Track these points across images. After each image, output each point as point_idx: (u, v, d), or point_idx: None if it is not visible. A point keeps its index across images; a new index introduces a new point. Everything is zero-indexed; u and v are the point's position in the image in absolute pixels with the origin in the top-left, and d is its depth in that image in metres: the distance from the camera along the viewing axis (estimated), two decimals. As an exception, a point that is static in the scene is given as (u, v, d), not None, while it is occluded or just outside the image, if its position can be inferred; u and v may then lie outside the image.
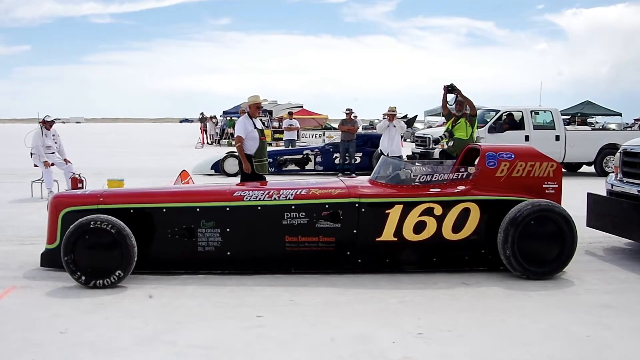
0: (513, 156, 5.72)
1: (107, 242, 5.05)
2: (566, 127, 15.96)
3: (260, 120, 7.66)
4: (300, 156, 15.50)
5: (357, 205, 5.48)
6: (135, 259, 5.13)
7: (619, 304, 4.81)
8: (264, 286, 5.16)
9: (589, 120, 34.24)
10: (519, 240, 5.32)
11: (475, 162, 5.79)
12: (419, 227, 5.46)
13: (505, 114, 15.05)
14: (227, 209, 5.48)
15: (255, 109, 7.61)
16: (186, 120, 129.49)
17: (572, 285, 5.32)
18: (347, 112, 15.43)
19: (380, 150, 12.41)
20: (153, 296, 4.93)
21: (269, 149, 8.08)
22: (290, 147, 17.95)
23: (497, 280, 5.38)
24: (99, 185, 6.79)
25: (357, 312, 4.56)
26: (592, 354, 3.81)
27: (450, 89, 8.75)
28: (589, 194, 6.84)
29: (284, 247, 5.46)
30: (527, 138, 14.26)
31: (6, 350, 3.83)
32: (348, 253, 5.51)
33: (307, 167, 15.38)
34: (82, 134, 46.51)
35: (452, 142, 8.74)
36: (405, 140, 25.83)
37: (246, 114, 7.68)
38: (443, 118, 12.59)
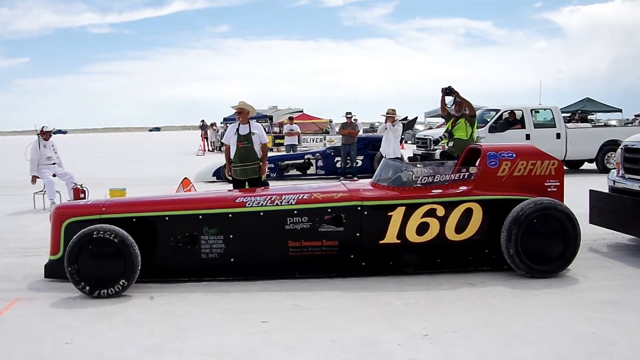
0: (514, 155, 5.72)
1: (111, 252, 5.06)
2: (567, 124, 15.97)
3: (249, 125, 7.58)
4: (302, 161, 15.50)
5: (359, 208, 5.48)
6: (139, 267, 5.13)
7: (624, 300, 4.80)
8: (268, 292, 5.16)
9: (589, 117, 34.21)
10: (522, 239, 5.32)
11: (477, 162, 5.78)
12: (422, 229, 5.46)
13: (507, 112, 15.07)
14: (230, 215, 5.48)
15: (237, 115, 7.67)
16: (59, 132, 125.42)
17: (576, 283, 5.31)
18: (348, 115, 15.45)
19: (381, 153, 12.44)
20: (154, 298, 4.97)
21: (270, 154, 8.06)
22: (291, 152, 17.98)
23: (502, 280, 5.37)
24: (101, 195, 6.80)
25: (362, 315, 4.55)
26: (598, 351, 3.80)
27: (448, 91, 8.78)
28: (591, 191, 6.83)
29: (287, 252, 5.46)
30: (527, 137, 14.28)
31: (12, 362, 3.84)
32: (352, 256, 5.51)
33: (308, 172, 15.38)
34: (85, 144, 46.59)
35: (452, 143, 8.75)
36: (406, 142, 25.87)
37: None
38: (443, 119, 12.60)
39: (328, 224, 5.46)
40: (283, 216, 5.45)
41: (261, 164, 7.62)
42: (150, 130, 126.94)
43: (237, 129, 7.56)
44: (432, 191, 5.60)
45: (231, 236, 5.46)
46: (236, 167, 7.54)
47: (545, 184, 5.71)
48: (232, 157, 7.62)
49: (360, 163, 15.09)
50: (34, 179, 10.41)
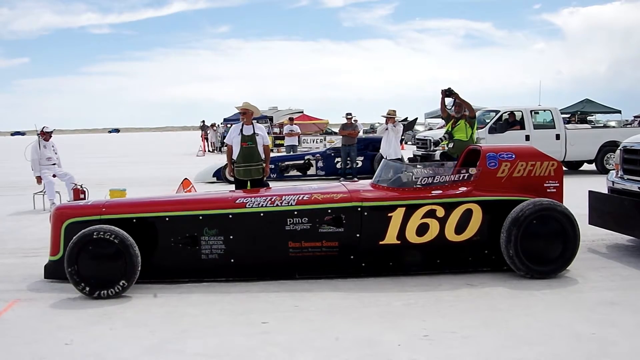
0: (514, 156, 5.73)
1: (111, 252, 5.06)
2: (566, 125, 15.99)
3: (252, 126, 7.65)
4: (302, 161, 15.53)
5: (359, 209, 5.49)
6: (139, 268, 5.14)
7: (623, 300, 4.81)
8: (268, 292, 5.17)
9: (589, 118, 34.22)
10: (521, 239, 5.33)
11: (477, 163, 5.79)
12: (422, 230, 5.47)
13: (507, 113, 15.10)
14: (230, 216, 5.49)
15: (241, 115, 7.71)
16: (18, 133, 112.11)
17: (575, 284, 5.32)
18: (348, 116, 15.46)
19: (381, 154, 12.45)
20: (157, 296, 5.00)
21: (270, 155, 8.13)
22: (291, 153, 17.99)
23: (501, 280, 5.38)
24: (101, 196, 6.80)
25: (362, 316, 4.56)
26: (597, 352, 3.80)
27: (447, 93, 8.80)
28: (590, 192, 6.84)
29: (287, 253, 5.47)
30: (527, 137, 14.30)
31: (13, 362, 3.84)
32: (352, 257, 5.52)
33: (308, 173, 15.41)
34: (85, 145, 46.58)
35: (452, 144, 8.76)
36: (406, 143, 25.88)
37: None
38: (443, 121, 12.61)
39: (328, 224, 5.47)
40: (283, 217, 5.46)
41: (264, 164, 7.68)
42: (110, 132, 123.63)
43: (241, 130, 7.62)
44: (432, 192, 5.61)
45: (231, 237, 5.46)
46: (240, 168, 7.60)
47: (545, 184, 5.72)
48: (234, 157, 7.65)
49: (360, 164, 15.10)
50: (39, 179, 10.41)
